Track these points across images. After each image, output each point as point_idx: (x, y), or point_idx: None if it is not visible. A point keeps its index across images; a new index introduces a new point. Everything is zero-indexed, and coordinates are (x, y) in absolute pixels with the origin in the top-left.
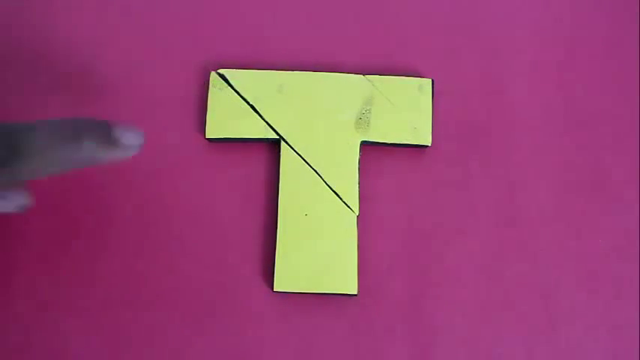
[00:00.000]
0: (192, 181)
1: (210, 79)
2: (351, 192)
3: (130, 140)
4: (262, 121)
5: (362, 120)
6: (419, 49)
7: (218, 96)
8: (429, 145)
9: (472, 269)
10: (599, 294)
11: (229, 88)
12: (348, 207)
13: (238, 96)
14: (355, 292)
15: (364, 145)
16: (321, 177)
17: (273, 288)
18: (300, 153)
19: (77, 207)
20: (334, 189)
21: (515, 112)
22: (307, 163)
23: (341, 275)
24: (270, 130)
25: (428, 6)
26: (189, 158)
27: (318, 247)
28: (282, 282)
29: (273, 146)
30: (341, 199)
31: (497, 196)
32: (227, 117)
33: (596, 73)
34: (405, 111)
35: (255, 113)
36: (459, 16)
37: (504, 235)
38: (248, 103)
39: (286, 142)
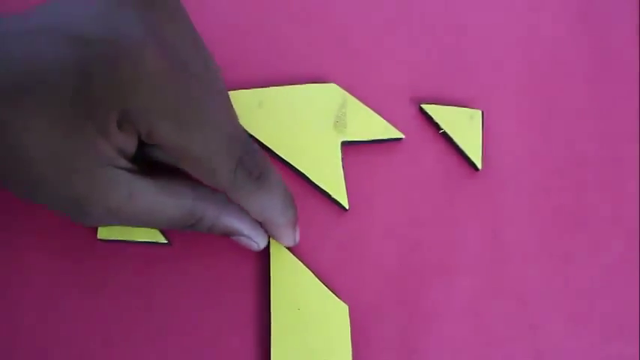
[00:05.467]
0: None
1: None
2: (339, 188)
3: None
4: None
5: (339, 123)
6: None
7: None
8: (403, 137)
9: (461, 307)
10: (586, 333)
11: None
12: (338, 203)
13: None
14: None
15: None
16: (308, 178)
17: None
18: (285, 159)
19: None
20: (322, 187)
21: (501, 151)
22: (293, 168)
23: None
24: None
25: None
26: None
27: (312, 342)
28: None
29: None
30: (330, 196)
31: (485, 236)
32: None
33: (584, 115)
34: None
35: None
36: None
37: (492, 274)
38: None
39: (271, 152)
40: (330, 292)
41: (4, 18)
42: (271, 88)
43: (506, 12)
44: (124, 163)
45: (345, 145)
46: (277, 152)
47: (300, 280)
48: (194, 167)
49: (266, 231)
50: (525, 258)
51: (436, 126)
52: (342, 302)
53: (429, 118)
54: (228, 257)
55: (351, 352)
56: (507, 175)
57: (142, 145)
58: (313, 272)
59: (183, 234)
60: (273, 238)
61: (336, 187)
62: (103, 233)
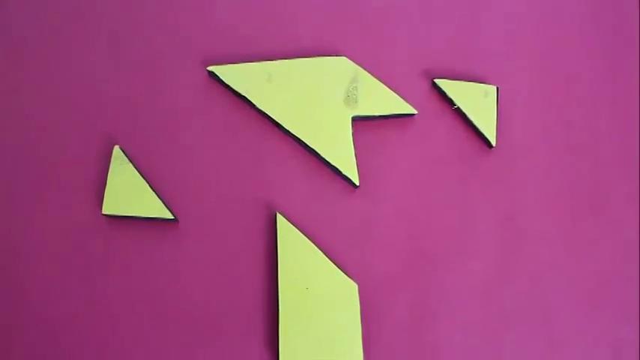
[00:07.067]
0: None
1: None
2: (349, 164)
3: None
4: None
5: (350, 97)
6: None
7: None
8: (416, 113)
9: (473, 289)
10: (598, 315)
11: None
12: (349, 179)
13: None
14: None
15: (357, 120)
16: (318, 154)
17: None
18: (294, 134)
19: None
20: (333, 163)
21: (516, 135)
22: (303, 143)
23: (346, 348)
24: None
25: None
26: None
27: (321, 322)
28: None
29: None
30: (340, 172)
31: (497, 217)
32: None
33: (596, 99)
34: None
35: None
36: (458, 34)
37: (505, 256)
38: (240, 95)
39: (282, 127)
40: (340, 270)
41: None
42: (280, 61)
43: None
44: None
45: (356, 120)
46: (286, 127)
47: (308, 258)
48: None
49: None
50: (539, 240)
51: (450, 102)
52: (351, 280)
53: (442, 94)
54: (235, 235)
55: (361, 331)
56: (521, 153)
57: None
58: (322, 250)
59: (190, 210)
60: None
61: (347, 163)
62: (108, 208)
